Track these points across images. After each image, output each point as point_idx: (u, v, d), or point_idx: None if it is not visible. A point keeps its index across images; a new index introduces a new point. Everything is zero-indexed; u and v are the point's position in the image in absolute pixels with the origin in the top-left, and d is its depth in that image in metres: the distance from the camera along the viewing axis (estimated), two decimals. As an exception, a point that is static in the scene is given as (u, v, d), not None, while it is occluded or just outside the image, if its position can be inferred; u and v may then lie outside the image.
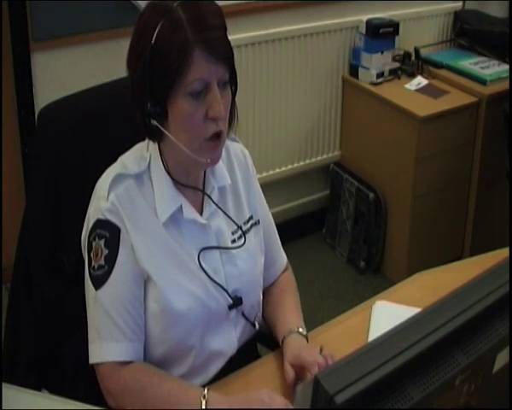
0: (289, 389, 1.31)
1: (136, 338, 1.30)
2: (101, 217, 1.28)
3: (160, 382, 1.26)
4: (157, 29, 1.19)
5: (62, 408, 1.16)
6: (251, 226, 1.44)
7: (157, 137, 1.28)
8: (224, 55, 1.23)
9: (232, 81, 1.28)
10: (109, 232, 1.27)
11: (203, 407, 1.21)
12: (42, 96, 2.50)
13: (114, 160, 1.35)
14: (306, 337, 1.40)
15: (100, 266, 1.27)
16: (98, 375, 1.30)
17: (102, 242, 1.27)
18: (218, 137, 1.26)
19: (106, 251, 1.27)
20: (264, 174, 3.11)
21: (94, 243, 1.28)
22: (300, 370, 1.31)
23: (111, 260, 1.27)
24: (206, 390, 1.23)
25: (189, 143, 1.25)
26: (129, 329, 1.28)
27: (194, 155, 1.26)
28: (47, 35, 2.45)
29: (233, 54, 1.26)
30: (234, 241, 1.40)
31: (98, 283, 1.28)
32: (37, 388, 1.42)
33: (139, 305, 1.30)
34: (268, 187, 2.84)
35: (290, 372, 1.31)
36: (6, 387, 1.14)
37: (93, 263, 1.28)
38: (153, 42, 1.19)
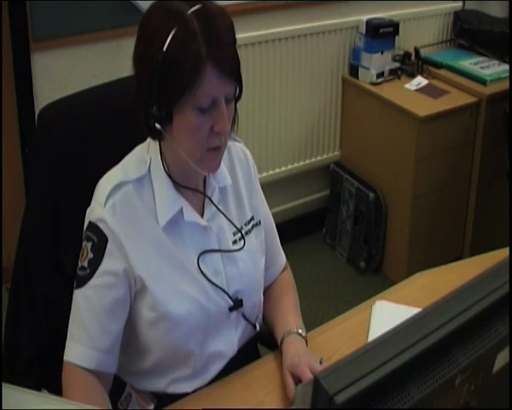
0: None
1: (105, 349, 1.28)
2: (94, 221, 1.28)
3: (87, 403, 1.23)
4: (170, 36, 1.18)
5: (62, 408, 1.16)
6: (252, 227, 1.44)
7: (158, 137, 1.28)
8: (234, 72, 1.23)
9: (236, 91, 1.28)
10: (97, 238, 1.28)
11: None
12: (42, 96, 2.50)
13: (114, 160, 1.34)
14: (305, 339, 1.40)
15: (83, 267, 1.29)
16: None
17: (90, 245, 1.28)
18: (218, 147, 1.27)
19: (91, 255, 1.28)
20: (264, 174, 3.11)
21: (83, 243, 1.30)
22: (299, 379, 1.30)
23: (93, 265, 1.28)
24: None
25: (191, 151, 1.25)
26: (98, 338, 1.27)
27: (195, 165, 1.27)
28: (47, 35, 2.45)
29: (240, 67, 1.26)
30: (235, 241, 1.40)
31: (78, 282, 1.29)
32: (37, 388, 1.42)
33: (115, 320, 1.29)
34: (268, 187, 2.84)
35: (290, 384, 1.30)
36: (6, 387, 1.13)
37: (79, 262, 1.30)
38: (165, 49, 1.18)
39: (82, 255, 1.29)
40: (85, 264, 1.28)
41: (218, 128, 1.23)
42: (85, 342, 1.27)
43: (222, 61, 1.20)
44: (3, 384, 1.09)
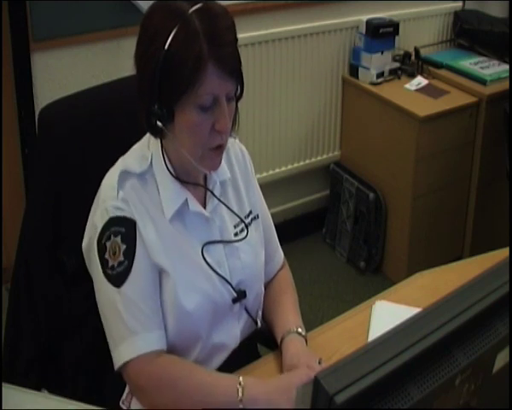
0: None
1: (163, 327, 1.30)
2: (114, 215, 1.28)
3: (190, 373, 1.27)
4: (171, 35, 1.18)
5: (62, 408, 1.16)
6: (251, 220, 1.45)
7: (159, 135, 1.29)
8: (235, 71, 1.24)
9: (237, 89, 1.28)
10: (125, 227, 1.27)
11: (240, 394, 1.20)
12: (42, 96, 2.50)
13: (114, 160, 1.35)
14: (305, 338, 1.40)
15: (120, 263, 1.27)
16: (127, 375, 1.27)
17: (119, 238, 1.27)
18: (219, 146, 1.28)
19: (124, 246, 1.27)
20: (264, 174, 3.11)
21: (109, 243, 1.27)
22: None
23: (130, 253, 1.27)
24: (240, 378, 1.22)
25: (193, 150, 1.26)
26: (157, 317, 1.28)
27: (196, 163, 1.28)
28: (47, 35, 2.45)
29: (241, 66, 1.27)
30: (236, 234, 1.41)
31: (120, 279, 1.27)
32: (37, 388, 1.42)
33: (158, 296, 1.30)
34: (268, 187, 2.85)
35: None
36: (6, 387, 1.14)
37: (110, 262, 1.27)
38: (166, 47, 1.19)
39: (114, 254, 1.27)
40: (121, 258, 1.26)
41: (219, 126, 1.24)
42: (150, 327, 1.27)
43: (223, 60, 1.20)
44: (3, 384, 1.10)
